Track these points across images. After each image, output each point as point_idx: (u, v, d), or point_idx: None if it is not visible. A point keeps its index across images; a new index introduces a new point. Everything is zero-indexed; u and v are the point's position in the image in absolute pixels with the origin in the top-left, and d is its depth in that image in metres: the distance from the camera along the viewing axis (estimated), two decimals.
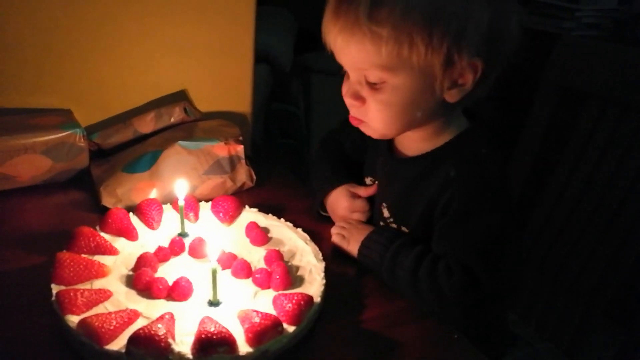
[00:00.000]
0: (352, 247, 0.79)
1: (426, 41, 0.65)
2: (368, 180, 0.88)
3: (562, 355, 1.04)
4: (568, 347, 1.02)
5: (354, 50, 0.69)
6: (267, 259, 0.73)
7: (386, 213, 0.82)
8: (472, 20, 0.65)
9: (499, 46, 0.69)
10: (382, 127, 0.75)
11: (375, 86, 0.71)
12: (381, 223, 0.83)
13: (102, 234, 0.76)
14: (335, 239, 0.82)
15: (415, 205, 0.77)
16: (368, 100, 0.72)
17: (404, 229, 0.79)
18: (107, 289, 0.66)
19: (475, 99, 0.73)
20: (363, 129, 0.77)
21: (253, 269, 0.72)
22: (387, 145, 0.83)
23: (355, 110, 0.75)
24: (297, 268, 0.74)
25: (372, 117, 0.73)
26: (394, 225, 0.81)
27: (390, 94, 0.70)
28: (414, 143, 0.79)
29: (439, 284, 0.70)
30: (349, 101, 0.74)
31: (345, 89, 0.75)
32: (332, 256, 0.79)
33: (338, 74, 0.76)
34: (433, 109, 0.73)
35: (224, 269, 0.72)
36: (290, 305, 0.63)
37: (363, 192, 0.86)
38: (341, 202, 0.86)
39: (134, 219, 0.80)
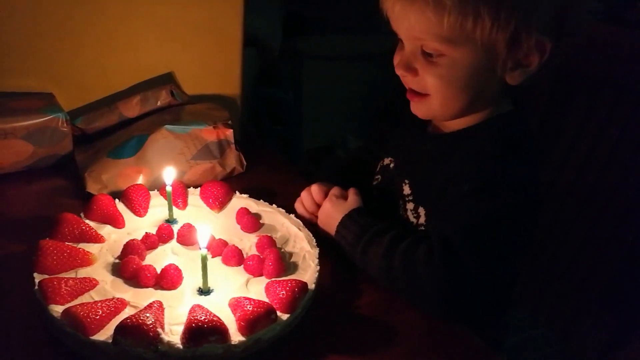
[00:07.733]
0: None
1: (493, 15, 0.62)
2: (387, 161, 0.85)
3: (555, 340, 1.04)
4: (561, 333, 1.03)
5: (413, 19, 0.65)
6: (259, 246, 0.72)
7: (407, 190, 0.77)
8: None
9: (568, 28, 0.66)
10: (440, 105, 0.71)
11: (431, 59, 0.68)
12: (400, 202, 0.79)
13: (87, 221, 0.73)
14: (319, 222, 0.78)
15: (437, 182, 0.73)
16: (422, 73, 0.69)
17: (421, 208, 0.75)
18: (92, 277, 0.64)
19: (530, 84, 0.69)
20: (416, 108, 0.73)
21: (245, 256, 0.70)
22: (421, 122, 0.79)
23: (410, 81, 0.71)
24: (291, 254, 0.72)
25: (431, 91, 0.70)
26: (411, 205, 0.76)
27: (448, 69, 0.67)
28: (454, 123, 0.75)
29: (416, 270, 0.64)
30: (400, 72, 0.71)
31: (397, 59, 0.72)
32: (327, 241, 0.77)
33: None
34: (492, 90, 0.70)
35: (214, 256, 0.70)
36: (283, 292, 0.61)
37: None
38: (319, 188, 0.80)
39: (120, 205, 0.78)
